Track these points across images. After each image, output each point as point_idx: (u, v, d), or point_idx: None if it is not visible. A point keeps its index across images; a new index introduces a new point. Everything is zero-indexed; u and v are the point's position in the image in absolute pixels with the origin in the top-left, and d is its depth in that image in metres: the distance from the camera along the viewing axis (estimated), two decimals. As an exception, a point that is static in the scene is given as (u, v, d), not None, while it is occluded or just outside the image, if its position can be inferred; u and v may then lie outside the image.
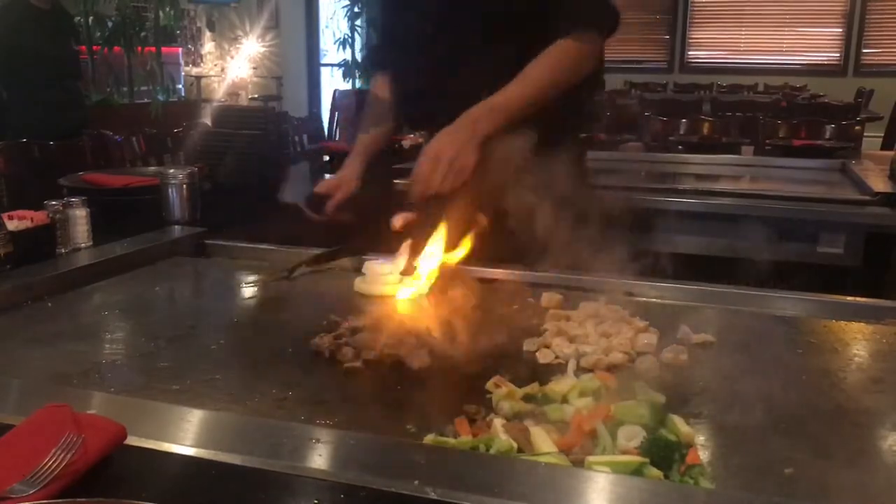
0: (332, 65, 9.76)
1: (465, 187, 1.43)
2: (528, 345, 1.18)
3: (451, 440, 0.86)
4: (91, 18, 6.92)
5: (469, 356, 1.11)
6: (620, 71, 9.89)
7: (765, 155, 4.02)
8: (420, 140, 2.63)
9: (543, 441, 0.84)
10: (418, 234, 1.45)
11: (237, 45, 9.53)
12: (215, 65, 9.59)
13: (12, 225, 1.46)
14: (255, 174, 2.32)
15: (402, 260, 1.46)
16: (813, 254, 2.44)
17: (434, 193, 1.43)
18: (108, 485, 0.73)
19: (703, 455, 0.86)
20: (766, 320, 1.32)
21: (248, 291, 1.51)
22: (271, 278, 1.53)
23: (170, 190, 1.85)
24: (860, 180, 2.71)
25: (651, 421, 0.87)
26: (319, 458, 0.77)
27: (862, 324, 1.30)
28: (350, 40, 9.22)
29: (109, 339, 1.26)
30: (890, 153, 3.28)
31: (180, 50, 9.03)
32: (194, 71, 9.22)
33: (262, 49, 9.55)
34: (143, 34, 7.27)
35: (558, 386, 0.98)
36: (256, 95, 9.30)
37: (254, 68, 9.55)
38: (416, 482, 0.72)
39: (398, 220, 1.49)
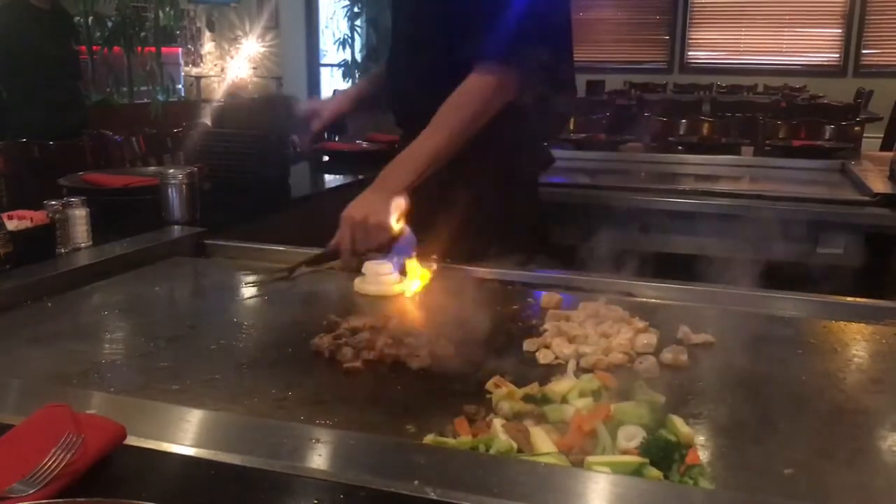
0: (331, 65, 9.76)
1: (391, 241, 1.51)
2: (528, 345, 1.18)
3: (451, 440, 0.86)
4: (91, 18, 6.91)
5: (469, 356, 1.11)
6: (620, 71, 9.91)
7: (764, 155, 4.01)
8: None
9: (543, 441, 0.84)
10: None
11: (237, 46, 9.54)
12: (215, 65, 9.59)
13: (12, 225, 1.46)
14: (255, 174, 2.32)
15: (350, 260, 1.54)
16: (813, 254, 2.44)
17: (360, 253, 1.52)
18: (107, 485, 0.73)
19: (703, 455, 0.86)
20: (765, 321, 1.32)
21: (248, 291, 1.51)
22: (271, 278, 1.53)
23: (169, 190, 1.85)
24: (860, 181, 2.71)
25: (651, 421, 0.87)
26: (319, 459, 0.77)
27: (862, 324, 1.30)
28: (350, 40, 9.23)
29: (109, 339, 1.26)
30: (889, 154, 3.28)
31: (180, 50, 9.03)
32: (194, 71, 9.22)
33: (262, 49, 9.55)
34: (142, 34, 7.27)
35: (558, 386, 0.98)
36: (256, 96, 9.29)
37: (254, 68, 9.55)
38: (416, 482, 0.72)
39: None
